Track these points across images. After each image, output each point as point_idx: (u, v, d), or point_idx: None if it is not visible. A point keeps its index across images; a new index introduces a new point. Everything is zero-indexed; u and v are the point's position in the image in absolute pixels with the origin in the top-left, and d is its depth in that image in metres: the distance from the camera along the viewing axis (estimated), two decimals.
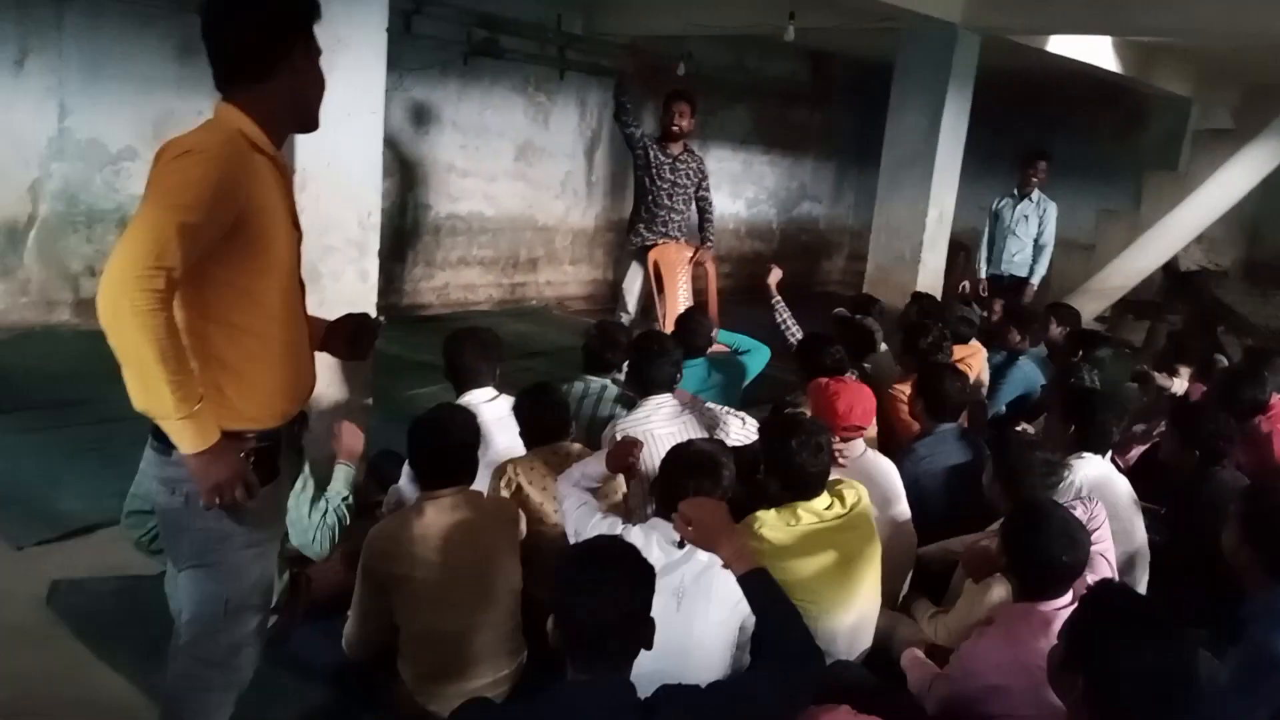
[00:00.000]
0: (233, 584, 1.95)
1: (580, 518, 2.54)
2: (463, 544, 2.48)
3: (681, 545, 2.34)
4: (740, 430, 3.64)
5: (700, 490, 2.41)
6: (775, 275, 5.10)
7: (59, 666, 2.76)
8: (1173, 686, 1.80)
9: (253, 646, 2.04)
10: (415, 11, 7.06)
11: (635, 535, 2.38)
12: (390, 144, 6.93)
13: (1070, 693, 1.87)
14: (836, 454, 3.26)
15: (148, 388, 1.65)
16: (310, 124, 2.00)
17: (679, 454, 2.55)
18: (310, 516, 2.81)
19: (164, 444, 1.82)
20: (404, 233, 7.82)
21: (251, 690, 2.41)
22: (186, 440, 1.73)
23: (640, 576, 1.85)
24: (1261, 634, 2.35)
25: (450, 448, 2.58)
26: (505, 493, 2.95)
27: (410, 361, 5.65)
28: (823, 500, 2.81)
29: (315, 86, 1.96)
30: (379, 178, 3.78)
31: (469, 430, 2.64)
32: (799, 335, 4.74)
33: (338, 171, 3.53)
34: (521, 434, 3.16)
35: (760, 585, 2.04)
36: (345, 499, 2.89)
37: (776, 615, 2.02)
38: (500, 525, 2.59)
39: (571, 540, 2.55)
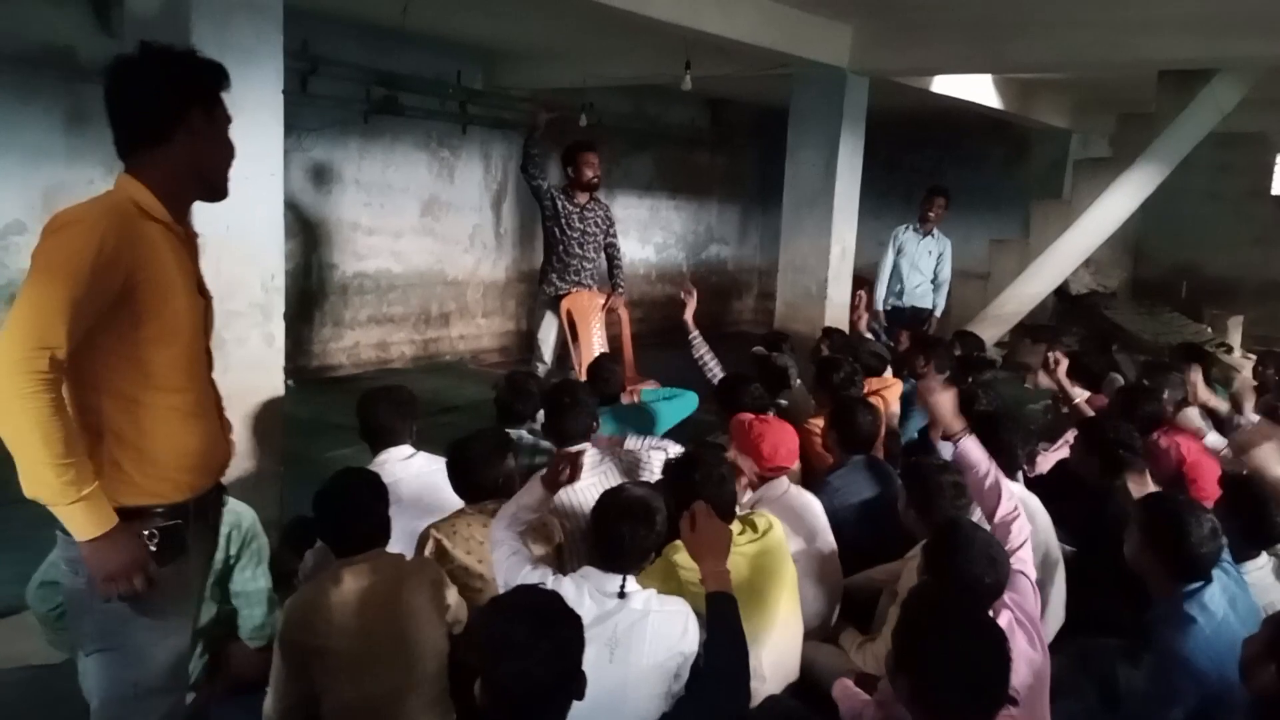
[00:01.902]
0: (139, 667, 1.87)
1: (510, 568, 2.50)
2: (383, 610, 2.41)
3: (622, 595, 2.34)
4: (662, 461, 3.64)
5: (638, 535, 2.42)
6: (691, 304, 5.06)
7: None
8: (987, 680, 1.89)
9: None
10: (311, 71, 7.02)
11: (567, 586, 2.36)
12: (292, 205, 6.84)
13: (902, 694, 1.95)
14: (757, 496, 3.31)
15: (34, 473, 1.62)
16: (216, 192, 1.97)
17: (611, 500, 2.54)
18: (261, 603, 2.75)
19: None
20: (310, 293, 7.70)
21: None
22: (77, 526, 1.68)
23: (569, 631, 1.84)
24: (1168, 636, 2.45)
25: (358, 513, 2.51)
26: (430, 558, 2.86)
27: (324, 423, 5.55)
28: (734, 528, 2.85)
29: (219, 153, 1.93)
30: (281, 239, 3.73)
31: (377, 493, 2.58)
32: (719, 372, 4.78)
33: (238, 235, 3.47)
34: (456, 490, 3.06)
35: (722, 608, 2.12)
36: None
37: (725, 640, 2.07)
38: (422, 588, 2.53)
39: (501, 589, 2.52)
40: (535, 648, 1.77)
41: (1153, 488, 3.67)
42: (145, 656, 1.87)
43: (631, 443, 3.75)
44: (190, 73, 1.87)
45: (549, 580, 2.41)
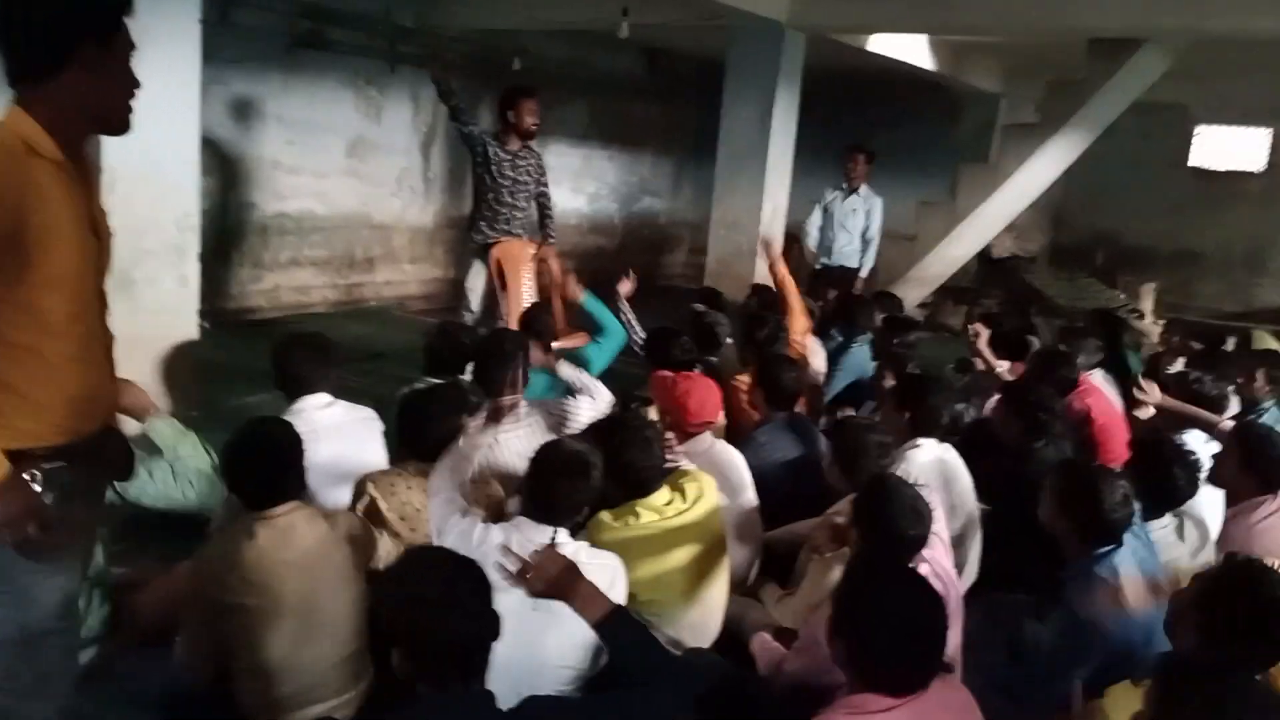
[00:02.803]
0: (26, 609, 1.81)
1: (442, 515, 2.46)
2: (298, 566, 2.35)
3: (552, 545, 2.33)
4: (591, 408, 3.63)
5: (574, 490, 2.41)
6: (626, 287, 5.07)
7: None
8: (925, 645, 1.93)
9: (64, 676, 1.91)
10: (232, 1, 6.71)
11: (496, 534, 2.34)
12: (209, 141, 6.55)
13: (840, 658, 1.99)
14: (681, 451, 3.32)
15: None
16: (113, 125, 1.86)
17: (548, 455, 2.51)
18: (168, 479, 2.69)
19: None
20: (228, 233, 7.43)
21: None
22: None
23: (475, 588, 1.82)
24: (1077, 597, 2.53)
25: (270, 463, 2.42)
26: (359, 512, 2.79)
27: (240, 369, 5.37)
28: (662, 495, 2.84)
29: (117, 85, 1.82)
30: (197, 176, 3.59)
31: (288, 441, 2.49)
32: (642, 335, 4.77)
33: (150, 171, 3.32)
34: (404, 445, 3.00)
35: (615, 627, 2.11)
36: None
37: (637, 654, 2.08)
38: (339, 542, 2.48)
39: (434, 537, 2.48)
40: (456, 600, 1.75)
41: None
42: (31, 598, 1.81)
43: (567, 371, 3.74)
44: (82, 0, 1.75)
45: (478, 527, 2.38)
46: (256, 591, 2.30)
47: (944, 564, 2.71)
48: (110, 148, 3.19)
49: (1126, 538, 2.66)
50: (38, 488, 1.76)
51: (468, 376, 3.83)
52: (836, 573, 2.86)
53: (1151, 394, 4.10)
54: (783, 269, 5.20)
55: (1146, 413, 4.39)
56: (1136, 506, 2.73)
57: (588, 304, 4.67)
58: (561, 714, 1.83)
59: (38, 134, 1.72)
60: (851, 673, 1.97)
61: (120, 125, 1.87)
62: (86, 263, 1.83)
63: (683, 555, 2.82)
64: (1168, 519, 3.12)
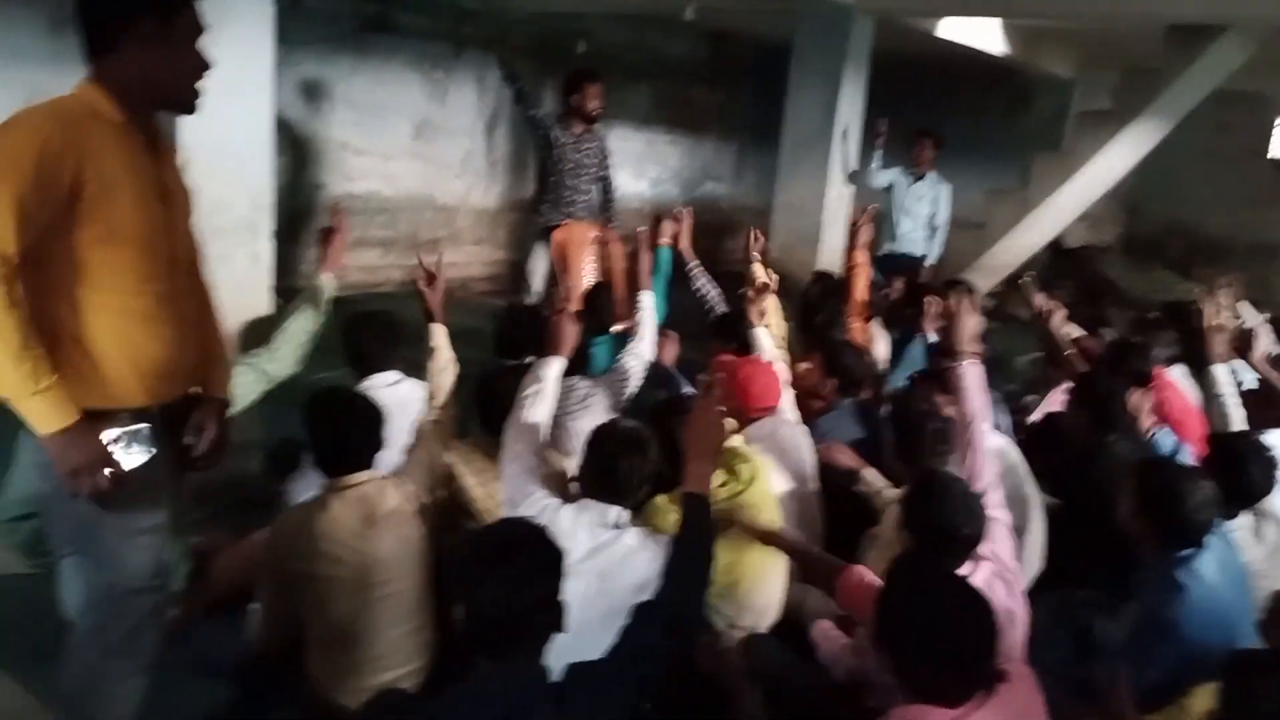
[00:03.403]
0: (114, 569, 1.89)
1: (517, 486, 2.47)
2: (370, 537, 2.40)
3: (619, 524, 2.34)
4: (639, 361, 3.64)
5: (634, 466, 2.42)
6: (683, 229, 4.83)
7: None
8: (971, 659, 1.84)
9: (151, 633, 1.97)
10: None
11: (565, 516, 2.36)
12: (281, 122, 6.67)
13: (886, 667, 1.92)
14: (742, 435, 3.30)
15: None
16: (179, 103, 1.93)
17: (606, 434, 2.53)
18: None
19: None
20: (298, 213, 7.56)
21: (152, 687, 2.31)
22: (38, 419, 1.69)
23: (546, 563, 1.83)
24: (1154, 600, 2.46)
25: (350, 432, 2.49)
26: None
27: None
28: (717, 477, 2.83)
29: (178, 64, 1.89)
30: (270, 156, 3.65)
31: (368, 411, 2.55)
32: (719, 303, 4.71)
33: (225, 150, 3.39)
34: (480, 419, 3.06)
35: (695, 507, 2.09)
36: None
37: (692, 539, 2.07)
38: (411, 513, 2.52)
39: (506, 507, 2.50)
40: (512, 574, 1.76)
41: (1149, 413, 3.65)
42: (118, 559, 1.88)
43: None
44: None
45: (550, 506, 2.40)
46: (329, 560, 2.35)
47: (1006, 560, 2.65)
48: (185, 126, 3.26)
49: (1209, 540, 2.57)
50: (118, 450, 1.81)
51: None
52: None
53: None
54: (859, 256, 5.07)
55: None
56: (1220, 509, 2.63)
57: (662, 257, 4.56)
58: (593, 678, 1.83)
59: (101, 99, 1.82)
60: (898, 682, 1.90)
61: (186, 103, 1.93)
62: (153, 225, 1.88)
63: (738, 535, 2.81)
64: (1245, 518, 3.02)
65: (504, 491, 2.54)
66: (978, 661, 1.85)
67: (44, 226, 1.71)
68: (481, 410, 3.06)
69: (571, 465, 2.99)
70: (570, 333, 2.81)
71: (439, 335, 2.96)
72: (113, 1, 1.83)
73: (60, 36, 5.85)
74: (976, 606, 1.90)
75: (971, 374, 2.83)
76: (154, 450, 1.89)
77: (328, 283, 3.22)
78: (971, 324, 2.91)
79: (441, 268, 2.93)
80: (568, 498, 2.50)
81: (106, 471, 1.76)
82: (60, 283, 1.78)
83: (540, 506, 2.39)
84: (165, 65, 1.86)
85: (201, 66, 1.92)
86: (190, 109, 1.94)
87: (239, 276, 3.52)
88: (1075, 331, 4.60)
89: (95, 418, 1.78)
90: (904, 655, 1.88)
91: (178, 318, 1.96)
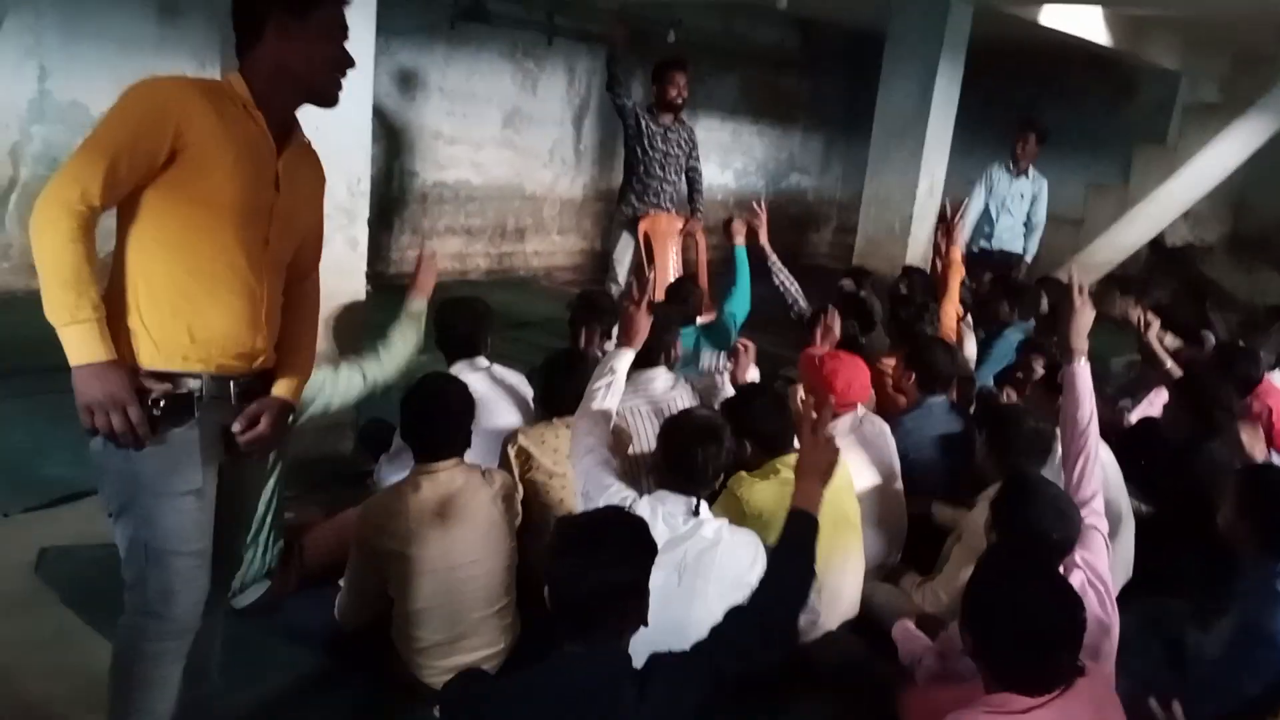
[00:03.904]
0: (148, 529, 1.93)
1: (593, 479, 2.50)
2: (457, 519, 2.46)
3: (697, 513, 2.36)
4: (725, 389, 3.66)
5: (709, 455, 2.43)
6: (761, 225, 4.82)
7: (48, 634, 2.75)
8: (1056, 643, 1.85)
9: (186, 595, 1.99)
10: None
11: (642, 507, 2.38)
12: (377, 110, 6.83)
13: (969, 649, 1.94)
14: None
15: (46, 292, 1.73)
16: (318, 97, 2.00)
17: (679, 424, 2.55)
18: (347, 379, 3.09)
19: None
20: (390, 200, 7.74)
21: (244, 657, 2.41)
22: (71, 349, 1.76)
23: (638, 550, 1.85)
24: (1255, 609, 2.39)
25: (445, 419, 2.56)
26: (515, 464, 2.92)
27: None
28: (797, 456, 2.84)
29: (315, 56, 1.95)
30: (368, 144, 3.73)
31: (463, 401, 2.62)
32: (800, 299, 4.68)
33: (326, 137, 3.40)
34: (543, 402, 3.12)
35: (800, 525, 2.11)
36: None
37: (793, 554, 2.09)
38: (496, 499, 2.58)
39: (579, 500, 2.54)
40: (600, 557, 1.79)
41: (1261, 445, 3.53)
42: (153, 519, 1.93)
43: (707, 359, 3.74)
44: None
45: (629, 498, 2.42)
46: (417, 541, 2.42)
47: (1099, 569, 2.58)
48: None
49: None
50: (157, 411, 1.85)
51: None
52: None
53: None
54: (957, 254, 4.96)
55: None
56: None
57: (739, 256, 4.61)
58: (675, 667, 1.85)
59: (240, 85, 1.91)
60: (983, 667, 1.92)
61: (326, 97, 2.00)
62: (251, 204, 1.93)
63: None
64: None
65: (578, 484, 2.57)
66: (1062, 651, 1.86)
67: (138, 180, 1.80)
68: (544, 390, 3.11)
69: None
70: (643, 326, 2.83)
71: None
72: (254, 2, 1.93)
73: (168, 24, 6.09)
74: (1066, 597, 1.90)
75: (1084, 375, 2.75)
76: (195, 415, 1.91)
77: (419, 306, 3.46)
78: (1087, 319, 2.83)
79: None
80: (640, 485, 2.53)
81: (125, 417, 1.78)
82: (141, 233, 1.85)
83: (619, 500, 2.41)
84: (303, 58, 1.92)
85: (344, 60, 1.99)
86: (331, 101, 2.01)
87: (337, 260, 3.60)
88: (1173, 342, 4.46)
89: (144, 376, 1.84)
90: (990, 639, 1.89)
91: (252, 298, 1.97)
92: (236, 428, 1.99)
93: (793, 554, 2.09)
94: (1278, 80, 6.99)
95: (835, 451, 2.26)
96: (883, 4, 6.80)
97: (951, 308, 4.82)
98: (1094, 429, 2.71)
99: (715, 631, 1.93)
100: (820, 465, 2.20)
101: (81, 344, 1.75)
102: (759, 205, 4.95)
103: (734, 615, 1.98)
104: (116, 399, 1.78)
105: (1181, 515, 3.16)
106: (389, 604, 2.52)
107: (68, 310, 1.73)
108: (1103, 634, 2.40)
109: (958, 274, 4.91)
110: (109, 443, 1.84)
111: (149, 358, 1.87)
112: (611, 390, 2.70)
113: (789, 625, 2.11)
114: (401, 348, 3.33)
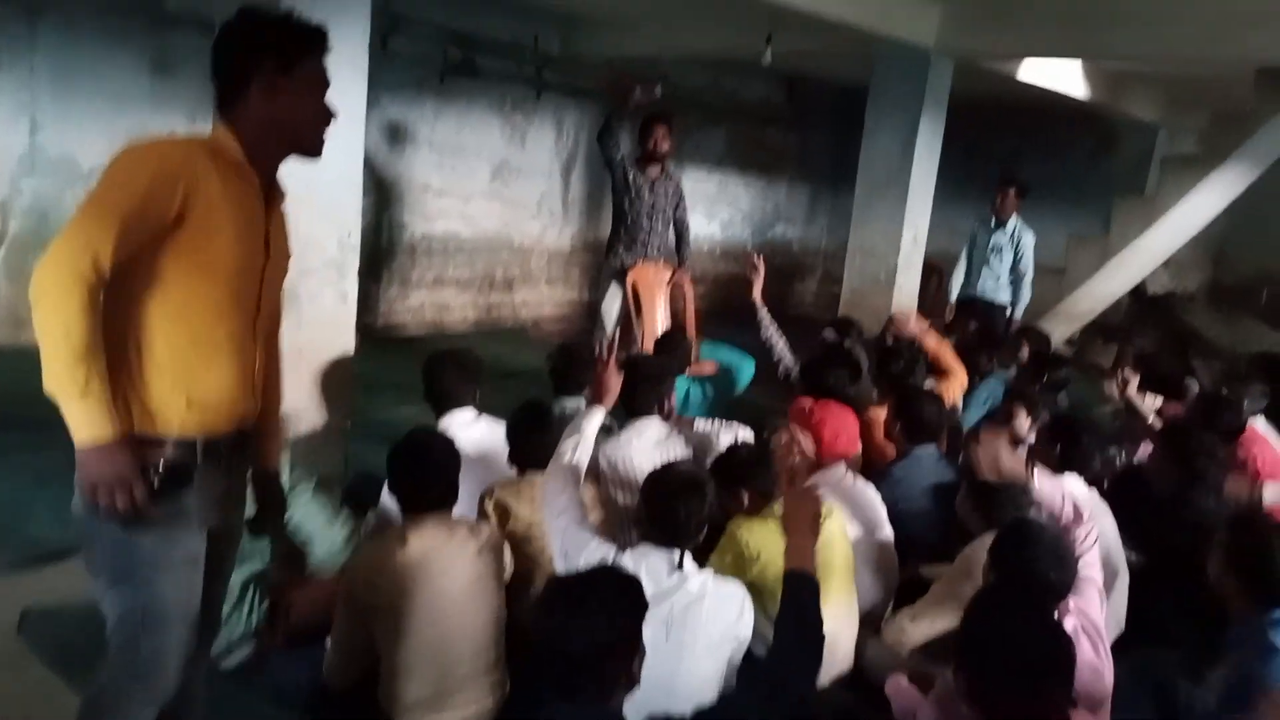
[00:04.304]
0: (144, 596, 1.90)
1: (571, 539, 2.50)
2: (445, 573, 2.44)
3: (680, 567, 2.35)
4: (730, 435, 3.65)
5: (692, 509, 2.43)
6: (759, 279, 4.86)
7: (31, 695, 2.70)
8: (1049, 680, 1.86)
9: (176, 659, 1.97)
10: (392, 30, 7.04)
11: (624, 562, 2.37)
12: (367, 163, 6.89)
13: (962, 691, 1.95)
14: (813, 480, 3.29)
15: (50, 364, 1.68)
16: (303, 149, 2.01)
17: (662, 478, 2.55)
18: (334, 529, 2.88)
19: None
20: (379, 253, 7.77)
21: (230, 718, 2.37)
22: (77, 425, 1.72)
23: (629, 608, 1.84)
24: (1246, 662, 2.38)
25: (432, 473, 2.55)
26: (493, 518, 2.91)
27: (385, 383, 5.60)
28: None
29: (301, 112, 1.97)
30: (359, 198, 3.75)
31: (450, 455, 2.62)
32: (786, 355, 4.71)
33: (317, 192, 3.49)
34: (513, 457, 3.10)
35: (798, 587, 2.12)
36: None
37: (796, 619, 2.07)
38: (484, 553, 2.56)
39: (558, 559, 2.53)
40: (589, 615, 1.78)
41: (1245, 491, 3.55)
42: (149, 587, 1.90)
43: (701, 424, 3.74)
44: (262, 32, 1.93)
45: (609, 554, 2.41)
46: (403, 596, 2.40)
47: (1094, 616, 2.58)
48: (282, 169, 3.37)
49: None
50: (155, 480, 1.83)
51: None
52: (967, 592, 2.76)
53: None
54: (933, 342, 4.91)
55: None
56: None
57: (705, 354, 4.66)
58: None
59: (228, 140, 1.90)
60: (976, 709, 1.91)
61: (311, 149, 2.02)
62: (247, 269, 1.93)
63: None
64: None
65: (555, 543, 2.56)
66: (1054, 688, 1.87)
67: (141, 245, 1.76)
68: (515, 445, 3.09)
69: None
70: (613, 384, 2.84)
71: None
72: (239, 52, 1.92)
73: (162, 79, 6.15)
74: (1057, 634, 1.92)
75: (1042, 487, 2.81)
76: (190, 483, 1.90)
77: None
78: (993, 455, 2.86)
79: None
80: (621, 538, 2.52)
81: (131, 495, 1.76)
82: (140, 300, 1.81)
83: (599, 556, 2.40)
84: (288, 112, 1.93)
85: (325, 114, 2.01)
86: (317, 153, 2.02)
87: (327, 315, 3.62)
88: (1154, 401, 4.51)
89: (140, 443, 1.81)
90: (983, 677, 1.89)
91: (243, 363, 1.98)
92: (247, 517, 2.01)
93: (796, 616, 2.08)
94: (1254, 133, 7.13)
95: (817, 502, 2.26)
96: (865, 60, 6.93)
97: (956, 383, 4.81)
98: (1070, 518, 2.76)
99: (728, 701, 1.92)
100: (804, 518, 2.20)
101: (90, 421, 1.71)
102: (759, 259, 4.98)
103: (749, 686, 1.97)
104: (124, 479, 1.75)
105: (1171, 565, 3.16)
106: (377, 661, 2.49)
107: (77, 385, 1.68)
108: (1096, 679, 2.40)
109: (946, 355, 4.88)
110: (94, 515, 1.80)
111: (146, 424, 1.84)
112: (580, 450, 2.71)
113: (807, 690, 2.09)
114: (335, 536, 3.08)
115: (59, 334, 1.66)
